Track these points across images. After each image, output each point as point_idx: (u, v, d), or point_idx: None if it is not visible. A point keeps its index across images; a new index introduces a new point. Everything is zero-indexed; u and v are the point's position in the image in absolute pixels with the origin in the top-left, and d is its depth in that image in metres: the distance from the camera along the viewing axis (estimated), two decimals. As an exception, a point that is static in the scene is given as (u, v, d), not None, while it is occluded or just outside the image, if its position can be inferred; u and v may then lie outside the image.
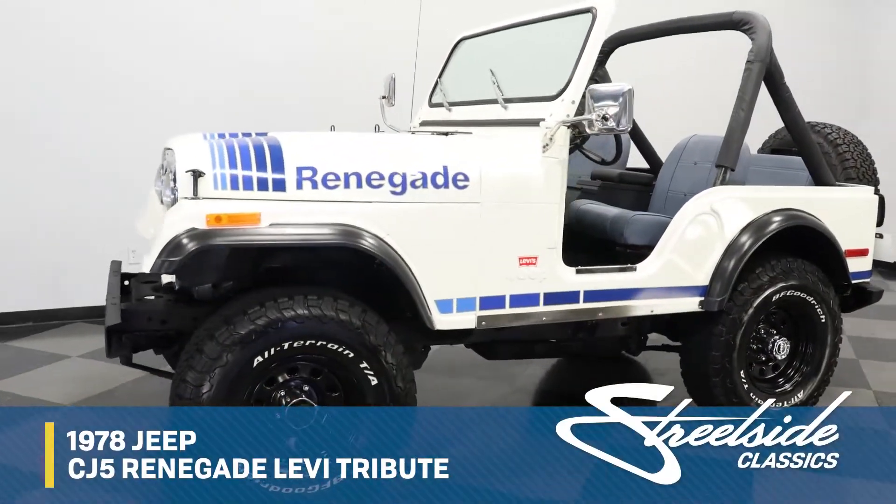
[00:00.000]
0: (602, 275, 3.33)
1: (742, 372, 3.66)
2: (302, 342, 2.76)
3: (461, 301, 3.03)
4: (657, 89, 6.49)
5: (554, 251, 3.16)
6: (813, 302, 3.79)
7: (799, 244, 3.81)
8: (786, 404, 3.81)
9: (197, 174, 2.74)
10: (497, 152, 3.13)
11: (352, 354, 2.83)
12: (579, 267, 3.29)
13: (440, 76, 4.16)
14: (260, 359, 2.71)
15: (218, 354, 2.67)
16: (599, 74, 4.67)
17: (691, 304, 3.52)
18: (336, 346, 2.80)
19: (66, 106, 5.28)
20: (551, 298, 3.20)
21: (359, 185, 2.87)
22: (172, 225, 2.64)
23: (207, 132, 3.12)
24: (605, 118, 2.96)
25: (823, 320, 3.83)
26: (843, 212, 3.91)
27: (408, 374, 2.95)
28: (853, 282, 3.98)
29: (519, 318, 3.16)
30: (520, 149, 3.15)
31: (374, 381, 2.87)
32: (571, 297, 3.24)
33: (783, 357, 3.81)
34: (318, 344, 2.78)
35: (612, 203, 3.99)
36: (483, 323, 3.08)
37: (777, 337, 3.79)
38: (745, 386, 3.67)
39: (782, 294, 3.69)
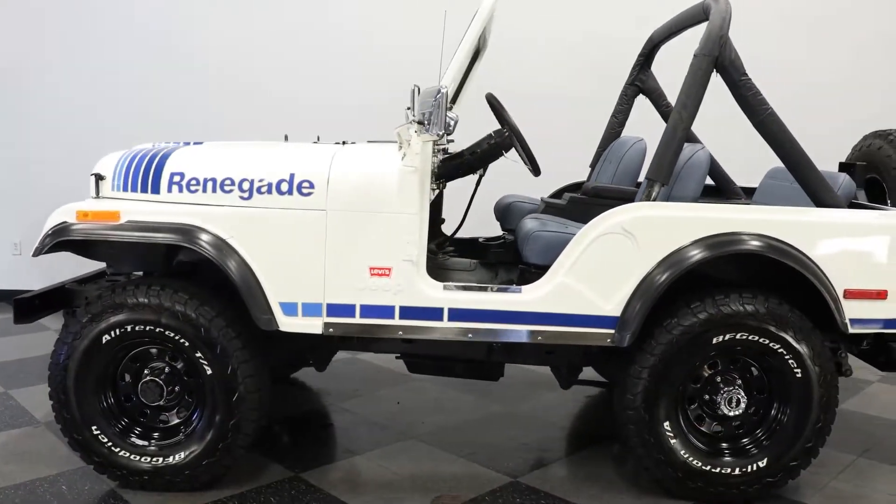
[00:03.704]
0: (474, 293, 3.11)
1: (668, 424, 3.10)
2: (142, 327, 3.07)
3: (307, 306, 3.09)
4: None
5: (411, 263, 3.05)
6: (781, 351, 3.05)
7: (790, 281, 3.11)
8: (746, 469, 3.12)
9: (98, 177, 3.24)
10: (354, 161, 3.12)
11: (187, 343, 3.07)
12: (448, 283, 3.13)
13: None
14: (108, 337, 3.08)
15: (77, 330, 3.10)
16: (640, 79, 4.26)
17: (599, 337, 3.10)
18: (172, 334, 3.07)
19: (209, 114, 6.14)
20: (408, 313, 3.09)
21: (213, 190, 3.11)
22: (53, 218, 3.15)
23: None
24: (420, 123, 2.82)
25: (799, 375, 3.06)
26: (843, 241, 3.09)
27: (247, 368, 3.09)
28: (860, 331, 3.11)
29: (371, 329, 3.11)
30: (378, 158, 3.12)
31: (209, 371, 3.08)
32: (433, 313, 3.09)
33: (737, 413, 3.12)
34: (157, 330, 3.08)
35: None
36: (331, 329, 3.10)
37: (732, 389, 3.12)
38: (673, 441, 3.10)
39: (728, 337, 3.04)
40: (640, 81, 4.25)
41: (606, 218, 3.06)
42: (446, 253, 3.81)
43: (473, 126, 3.65)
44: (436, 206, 4.10)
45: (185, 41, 6.16)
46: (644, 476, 3.27)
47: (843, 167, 3.73)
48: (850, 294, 3.08)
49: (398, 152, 3.06)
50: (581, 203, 3.65)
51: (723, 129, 4.29)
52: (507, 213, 4.01)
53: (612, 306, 3.07)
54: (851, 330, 3.11)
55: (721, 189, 4.21)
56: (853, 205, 3.39)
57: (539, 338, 3.11)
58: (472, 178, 3.70)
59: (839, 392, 4.21)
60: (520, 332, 3.11)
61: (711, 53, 3.06)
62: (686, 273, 3.04)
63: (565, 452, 3.70)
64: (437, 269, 3.63)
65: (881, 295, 3.09)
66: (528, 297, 3.10)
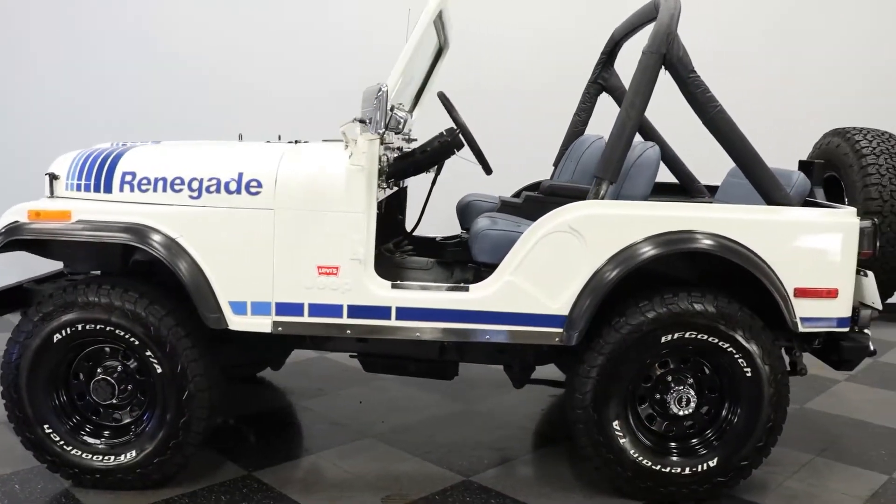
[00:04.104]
0: (422, 292, 3.11)
1: (617, 423, 3.09)
2: (93, 325, 3.08)
3: (256, 304, 3.10)
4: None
5: (358, 262, 3.05)
6: (730, 350, 3.04)
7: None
8: (696, 469, 3.11)
9: (52, 177, 3.25)
10: (302, 160, 3.12)
11: (137, 342, 3.08)
12: (396, 281, 3.13)
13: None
14: (58, 336, 3.08)
15: (29, 329, 3.11)
16: (603, 77, 4.25)
17: (547, 336, 3.09)
18: (122, 333, 3.08)
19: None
20: (356, 312, 3.09)
21: (164, 190, 3.12)
22: (4, 218, 3.16)
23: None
24: (362, 121, 2.82)
25: (749, 374, 3.05)
26: (793, 239, 3.07)
27: (196, 367, 3.09)
28: (811, 330, 3.10)
29: (319, 328, 3.12)
30: (326, 157, 3.12)
31: (159, 370, 3.10)
32: (381, 312, 3.09)
33: (687, 412, 3.11)
34: (108, 329, 3.08)
35: None
36: (280, 328, 3.11)
37: (682, 388, 3.11)
38: (623, 440, 3.09)
39: (677, 336, 3.04)
40: (603, 79, 4.24)
41: (553, 217, 3.06)
42: (404, 252, 3.82)
43: (441, 125, 3.64)
44: (398, 205, 4.12)
45: (181, 40, 6.11)
46: (596, 475, 3.27)
47: (802, 165, 3.71)
48: (800, 293, 3.07)
49: (345, 151, 3.07)
50: (536, 202, 3.64)
51: (689, 127, 4.27)
52: (465, 211, 4.01)
53: (560, 305, 3.07)
54: (802, 329, 3.10)
55: (685, 187, 4.20)
56: (808, 203, 3.38)
57: (486, 337, 3.11)
58: (441, 176, 3.71)
59: (806, 391, 4.26)
60: (467, 330, 3.11)
61: (659, 51, 3.05)
62: (635, 273, 3.04)
63: (522, 452, 3.68)
64: (393, 267, 3.64)
65: (831, 293, 3.08)
66: (476, 296, 3.10)
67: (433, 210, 4.03)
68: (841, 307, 3.10)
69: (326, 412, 4.05)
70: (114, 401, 3.17)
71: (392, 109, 3.20)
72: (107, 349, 3.21)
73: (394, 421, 3.94)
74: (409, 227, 4.10)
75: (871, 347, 3.22)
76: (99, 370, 3.20)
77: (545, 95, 5.74)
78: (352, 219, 3.05)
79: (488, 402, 4.26)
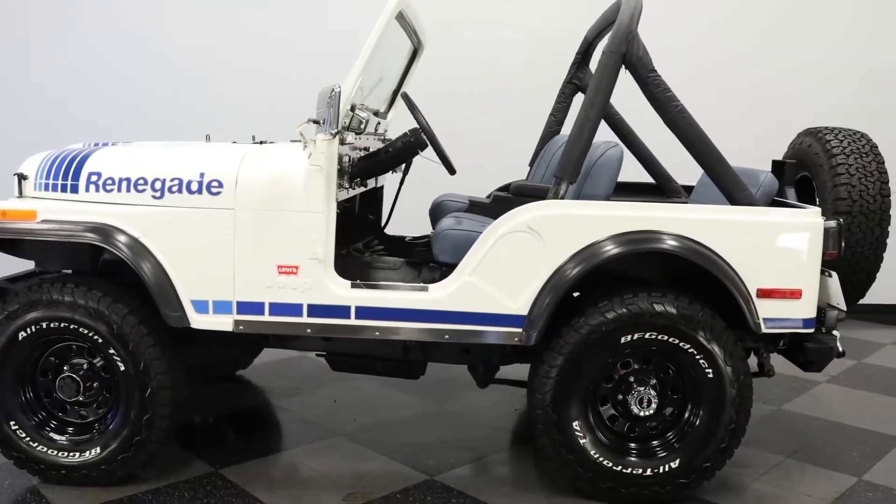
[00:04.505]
0: (381, 292, 3.12)
1: (577, 424, 3.08)
2: (57, 324, 3.12)
3: (217, 303, 3.13)
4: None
5: (318, 261, 3.06)
6: (691, 350, 3.02)
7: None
8: (658, 470, 3.09)
9: (21, 177, 3.30)
10: (263, 161, 3.14)
11: (101, 340, 3.12)
12: (356, 281, 3.13)
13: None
14: (24, 334, 3.13)
15: (-7, 329, 3.18)
16: (578, 77, 4.23)
17: (506, 335, 3.08)
18: (86, 331, 3.12)
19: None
20: (316, 311, 3.11)
21: (128, 190, 3.15)
22: (-29, 217, 3.22)
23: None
24: (315, 122, 2.83)
25: (711, 375, 3.03)
26: (755, 239, 3.04)
27: (159, 365, 3.13)
28: (775, 331, 3.07)
29: (280, 326, 3.14)
30: (286, 157, 3.13)
31: (123, 367, 3.13)
32: (340, 311, 3.10)
33: (648, 413, 3.09)
34: (72, 327, 3.12)
35: None
36: (241, 327, 3.13)
37: (643, 389, 3.09)
38: (583, 441, 3.07)
39: (636, 336, 3.01)
40: (578, 79, 4.22)
41: (511, 217, 3.05)
42: (375, 251, 3.82)
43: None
44: (371, 205, 4.13)
45: (180, 44, 6.15)
46: (559, 476, 3.25)
47: (775, 165, 3.67)
48: (763, 293, 3.03)
49: (304, 152, 3.08)
50: (504, 201, 3.63)
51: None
52: (437, 211, 4.00)
53: (519, 305, 3.06)
54: (765, 329, 3.06)
55: (661, 188, 4.17)
56: (776, 202, 3.34)
57: (445, 336, 3.11)
58: (425, 176, 3.71)
59: (786, 392, 4.21)
60: (426, 330, 3.11)
61: (619, 50, 3.03)
62: (597, 275, 3.03)
63: (490, 452, 3.66)
64: (362, 267, 3.65)
65: (795, 294, 3.04)
66: (435, 296, 3.10)
67: (410, 210, 4.05)
68: (805, 308, 3.06)
69: (300, 411, 4.07)
70: (80, 398, 3.21)
71: (353, 109, 3.21)
72: (73, 347, 3.25)
73: (366, 420, 3.95)
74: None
75: (840, 349, 3.18)
76: (65, 368, 3.24)
77: (530, 96, 5.71)
78: (311, 218, 3.06)
79: (463, 402, 4.25)
